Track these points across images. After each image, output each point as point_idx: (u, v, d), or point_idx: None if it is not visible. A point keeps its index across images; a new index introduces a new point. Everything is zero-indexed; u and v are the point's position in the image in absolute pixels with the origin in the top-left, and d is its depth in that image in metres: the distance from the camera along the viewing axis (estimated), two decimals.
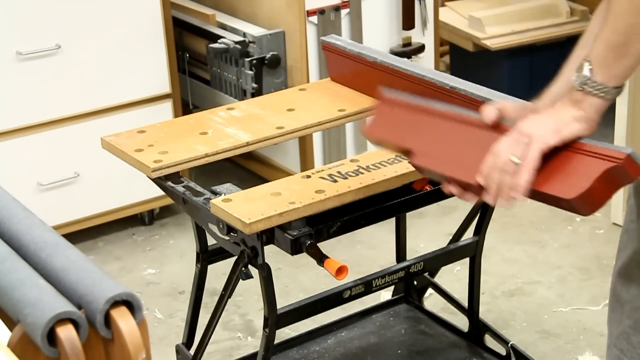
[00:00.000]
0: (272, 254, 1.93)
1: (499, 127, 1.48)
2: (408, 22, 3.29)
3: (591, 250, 3.10)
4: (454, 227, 2.39)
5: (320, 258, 1.76)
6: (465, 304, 2.42)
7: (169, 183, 1.97)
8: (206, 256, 2.22)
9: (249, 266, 1.93)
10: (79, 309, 1.09)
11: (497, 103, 1.51)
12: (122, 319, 1.08)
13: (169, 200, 3.12)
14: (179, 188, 1.95)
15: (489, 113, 1.50)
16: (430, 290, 2.59)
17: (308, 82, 3.11)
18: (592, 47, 1.40)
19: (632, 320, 1.58)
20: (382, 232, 3.10)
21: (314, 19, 3.15)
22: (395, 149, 1.67)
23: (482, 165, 1.44)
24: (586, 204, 1.38)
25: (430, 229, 3.21)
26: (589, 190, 1.36)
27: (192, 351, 2.23)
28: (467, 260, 2.36)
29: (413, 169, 1.86)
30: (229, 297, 2.04)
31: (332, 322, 2.50)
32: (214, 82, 3.40)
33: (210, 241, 2.08)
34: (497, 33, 3.80)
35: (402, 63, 2.15)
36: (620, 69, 1.38)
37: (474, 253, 2.33)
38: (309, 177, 1.86)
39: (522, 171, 1.39)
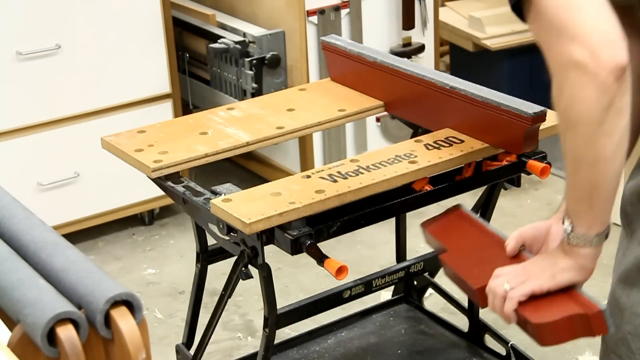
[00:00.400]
0: (272, 254, 1.93)
1: (517, 255, 1.60)
2: (408, 22, 3.29)
3: None
4: None
5: (320, 258, 1.76)
6: (465, 304, 2.42)
7: (169, 183, 1.96)
8: (206, 256, 2.22)
9: (249, 266, 1.92)
10: (79, 309, 1.09)
11: (517, 233, 1.59)
12: (122, 319, 1.07)
13: (169, 200, 3.11)
14: (179, 188, 1.95)
15: (509, 248, 1.59)
16: (430, 290, 2.58)
17: (308, 82, 3.11)
18: (566, 201, 1.45)
19: (632, 326, 1.57)
20: (382, 232, 3.09)
21: (314, 19, 3.15)
22: (436, 246, 1.77)
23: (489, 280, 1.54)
24: (546, 335, 1.48)
25: None
26: (552, 324, 1.46)
27: (192, 351, 2.23)
28: None
29: (413, 169, 1.87)
30: (229, 297, 2.04)
31: (332, 322, 2.49)
32: (214, 82, 3.40)
33: (210, 241, 2.08)
34: (497, 33, 3.79)
35: (402, 63, 2.15)
36: (594, 217, 1.41)
37: None
38: (309, 177, 1.86)
39: (507, 300, 1.48)
